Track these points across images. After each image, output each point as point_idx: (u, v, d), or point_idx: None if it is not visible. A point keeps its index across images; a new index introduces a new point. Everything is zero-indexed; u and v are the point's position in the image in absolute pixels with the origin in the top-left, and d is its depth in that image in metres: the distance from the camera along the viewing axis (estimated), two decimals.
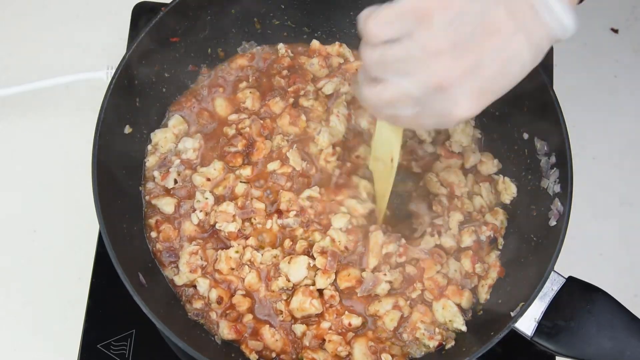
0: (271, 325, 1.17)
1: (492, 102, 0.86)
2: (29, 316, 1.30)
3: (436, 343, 1.15)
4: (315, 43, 1.35)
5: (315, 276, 1.17)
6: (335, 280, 1.17)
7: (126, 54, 1.17)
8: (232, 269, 1.18)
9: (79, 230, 1.33)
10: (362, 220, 1.21)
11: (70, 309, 1.29)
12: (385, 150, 1.08)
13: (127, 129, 1.21)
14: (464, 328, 1.16)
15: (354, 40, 1.35)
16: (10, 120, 1.42)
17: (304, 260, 1.17)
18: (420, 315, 1.16)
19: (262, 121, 1.27)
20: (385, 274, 1.17)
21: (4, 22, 1.50)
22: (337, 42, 1.35)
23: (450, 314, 1.17)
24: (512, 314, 1.07)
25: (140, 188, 1.24)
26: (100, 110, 1.13)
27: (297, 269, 1.17)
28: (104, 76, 1.33)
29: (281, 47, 1.35)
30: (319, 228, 1.20)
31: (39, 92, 1.38)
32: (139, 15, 1.42)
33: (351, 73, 1.34)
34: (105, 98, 1.13)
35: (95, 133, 1.12)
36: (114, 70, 1.15)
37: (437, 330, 1.16)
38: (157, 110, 1.29)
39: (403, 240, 1.19)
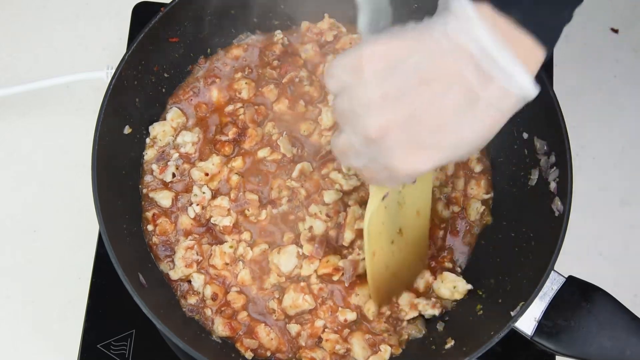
0: (266, 324, 1.17)
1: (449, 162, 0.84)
2: (29, 316, 1.30)
3: (441, 309, 1.18)
4: (305, 23, 1.35)
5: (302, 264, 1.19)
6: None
7: (126, 54, 1.17)
8: (227, 264, 1.19)
9: (79, 230, 1.33)
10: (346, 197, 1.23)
11: (70, 309, 1.29)
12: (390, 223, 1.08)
13: (127, 129, 1.21)
14: (469, 286, 1.18)
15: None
16: (10, 120, 1.42)
17: (293, 249, 1.18)
18: (410, 297, 1.18)
19: (256, 107, 1.28)
20: (359, 254, 1.18)
21: (4, 22, 1.50)
22: (325, 15, 1.35)
23: (451, 281, 1.18)
24: (512, 313, 1.07)
25: (140, 186, 1.24)
26: (100, 110, 1.13)
27: (287, 259, 1.18)
28: (104, 76, 1.33)
29: (278, 33, 1.35)
30: (306, 215, 1.21)
31: (39, 92, 1.38)
32: (139, 15, 1.42)
33: (344, 49, 1.34)
34: (105, 98, 1.13)
35: (95, 133, 1.12)
36: (114, 70, 1.15)
37: (434, 298, 1.19)
38: (157, 110, 1.29)
39: None
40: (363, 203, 1.22)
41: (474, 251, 1.26)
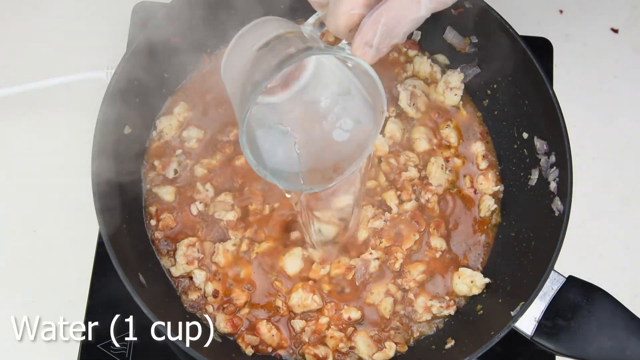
0: (268, 320, 1.17)
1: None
2: (29, 316, 1.30)
3: (455, 307, 1.20)
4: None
5: (311, 266, 1.19)
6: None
7: (126, 54, 1.17)
8: (230, 261, 1.19)
9: (79, 230, 1.32)
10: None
11: (70, 309, 1.28)
12: None
13: (127, 129, 1.21)
14: (487, 280, 1.19)
15: None
16: (10, 120, 1.42)
17: (298, 251, 1.18)
18: (426, 297, 1.19)
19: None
20: (371, 253, 1.20)
21: (4, 22, 1.49)
22: None
23: (468, 277, 1.20)
24: (512, 313, 1.07)
25: (143, 182, 1.24)
26: (100, 110, 1.13)
27: (292, 261, 1.18)
28: (104, 76, 1.33)
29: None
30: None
31: (39, 92, 1.38)
32: (139, 15, 1.42)
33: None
34: (105, 98, 1.13)
35: (95, 133, 1.12)
36: (114, 70, 1.15)
37: (447, 297, 1.20)
38: (157, 110, 1.29)
39: (388, 215, 1.22)
40: (375, 204, 1.23)
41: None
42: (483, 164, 1.29)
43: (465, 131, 1.31)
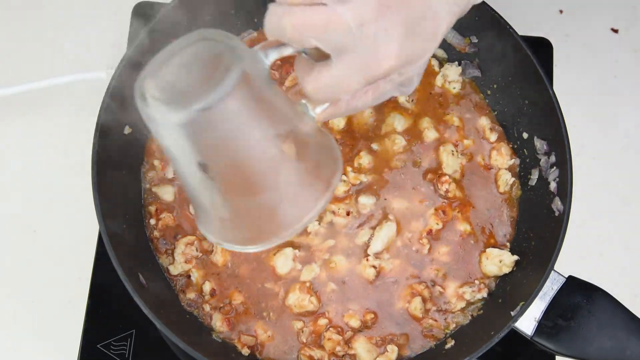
0: (265, 321, 1.17)
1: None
2: (29, 316, 1.30)
3: (486, 290, 1.18)
4: None
5: (302, 269, 1.18)
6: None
7: (126, 54, 1.17)
8: (228, 261, 1.19)
9: (79, 230, 1.33)
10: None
11: (70, 309, 1.29)
12: None
13: (127, 130, 1.21)
14: (516, 257, 1.18)
15: None
16: (10, 120, 1.42)
17: (289, 252, 1.18)
18: (456, 285, 1.18)
19: None
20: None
21: (4, 22, 1.50)
22: None
23: (496, 256, 1.18)
24: (512, 313, 1.07)
25: (143, 182, 1.25)
26: (100, 110, 1.13)
27: (283, 261, 1.18)
28: (104, 76, 1.33)
29: None
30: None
31: (39, 92, 1.38)
32: (139, 15, 1.42)
33: None
34: (105, 98, 1.13)
35: (95, 133, 1.12)
36: (114, 70, 1.15)
37: (477, 282, 1.19)
38: None
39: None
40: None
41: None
42: (492, 137, 1.27)
43: (464, 108, 1.30)
